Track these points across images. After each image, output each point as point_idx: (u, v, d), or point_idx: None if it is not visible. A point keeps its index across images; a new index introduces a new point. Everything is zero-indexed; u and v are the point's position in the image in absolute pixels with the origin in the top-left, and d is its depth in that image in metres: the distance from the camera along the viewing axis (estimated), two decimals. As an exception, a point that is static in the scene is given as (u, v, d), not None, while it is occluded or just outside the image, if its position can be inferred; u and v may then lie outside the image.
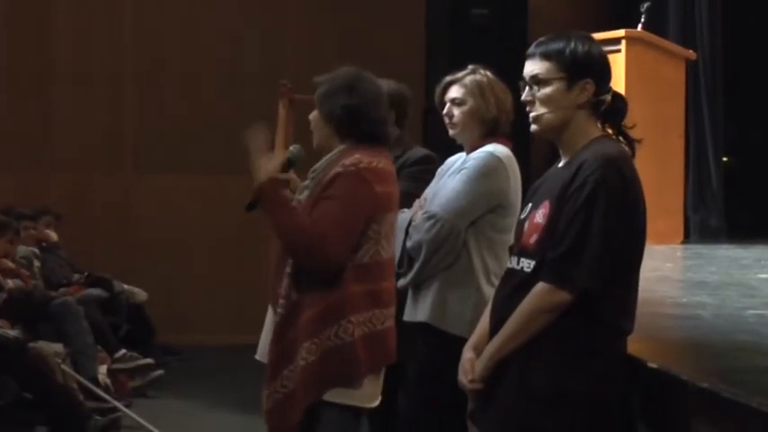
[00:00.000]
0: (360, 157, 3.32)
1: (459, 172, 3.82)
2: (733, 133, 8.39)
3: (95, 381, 6.55)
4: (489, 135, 3.86)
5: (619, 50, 6.43)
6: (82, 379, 6.37)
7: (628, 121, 2.90)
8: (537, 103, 2.84)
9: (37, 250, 7.76)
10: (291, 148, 3.67)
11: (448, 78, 3.94)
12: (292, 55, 9.46)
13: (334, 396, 3.28)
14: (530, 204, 2.91)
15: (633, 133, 2.91)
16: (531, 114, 2.86)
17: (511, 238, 3.14)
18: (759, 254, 6.37)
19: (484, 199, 3.76)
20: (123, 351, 7.32)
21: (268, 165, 3.38)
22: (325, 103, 3.44)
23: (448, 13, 8.87)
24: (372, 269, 3.32)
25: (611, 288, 2.70)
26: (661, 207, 6.28)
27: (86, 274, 8.21)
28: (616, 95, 2.89)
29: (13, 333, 6.08)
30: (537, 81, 2.83)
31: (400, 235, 3.70)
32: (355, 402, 3.31)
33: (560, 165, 2.88)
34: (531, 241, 2.80)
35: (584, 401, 2.70)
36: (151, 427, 6.08)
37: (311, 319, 3.27)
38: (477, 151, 3.83)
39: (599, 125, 2.87)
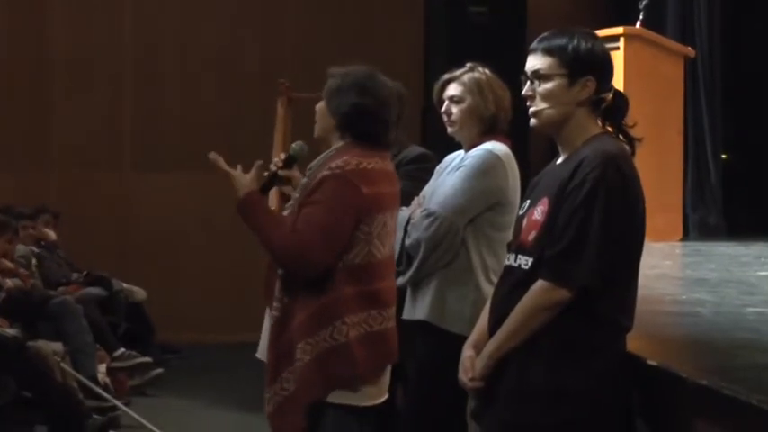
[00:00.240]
0: (348, 159, 3.30)
1: (457, 170, 3.81)
2: (732, 130, 8.38)
3: (94, 379, 6.54)
4: (488, 133, 3.85)
5: (617, 48, 6.40)
6: (81, 377, 6.36)
7: (627, 120, 2.89)
8: (537, 98, 2.83)
9: (36, 249, 7.76)
10: (294, 144, 3.67)
11: (446, 76, 3.94)
12: (291, 53, 9.45)
13: (335, 396, 3.28)
14: (528, 201, 2.90)
15: (633, 132, 2.90)
16: (531, 109, 2.85)
17: (509, 236, 3.14)
18: (759, 251, 6.35)
19: (482, 197, 3.75)
20: (122, 350, 7.33)
21: (242, 180, 3.38)
22: (333, 98, 3.42)
23: (446, 11, 8.86)
24: (365, 270, 3.30)
25: (610, 286, 2.70)
26: (660, 204, 6.26)
27: (85, 272, 8.20)
28: (617, 94, 2.88)
29: (12, 332, 6.07)
30: (538, 76, 2.82)
31: (399, 233, 3.69)
32: (355, 402, 3.30)
33: (559, 161, 2.87)
34: (529, 238, 2.79)
35: (584, 399, 2.70)
36: (150, 426, 6.07)
37: (304, 320, 3.26)
38: (476, 149, 3.82)
39: (599, 123, 2.87)
